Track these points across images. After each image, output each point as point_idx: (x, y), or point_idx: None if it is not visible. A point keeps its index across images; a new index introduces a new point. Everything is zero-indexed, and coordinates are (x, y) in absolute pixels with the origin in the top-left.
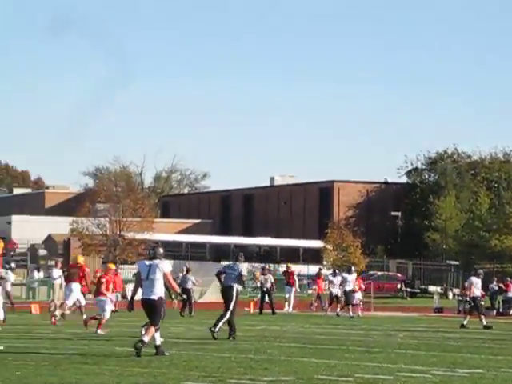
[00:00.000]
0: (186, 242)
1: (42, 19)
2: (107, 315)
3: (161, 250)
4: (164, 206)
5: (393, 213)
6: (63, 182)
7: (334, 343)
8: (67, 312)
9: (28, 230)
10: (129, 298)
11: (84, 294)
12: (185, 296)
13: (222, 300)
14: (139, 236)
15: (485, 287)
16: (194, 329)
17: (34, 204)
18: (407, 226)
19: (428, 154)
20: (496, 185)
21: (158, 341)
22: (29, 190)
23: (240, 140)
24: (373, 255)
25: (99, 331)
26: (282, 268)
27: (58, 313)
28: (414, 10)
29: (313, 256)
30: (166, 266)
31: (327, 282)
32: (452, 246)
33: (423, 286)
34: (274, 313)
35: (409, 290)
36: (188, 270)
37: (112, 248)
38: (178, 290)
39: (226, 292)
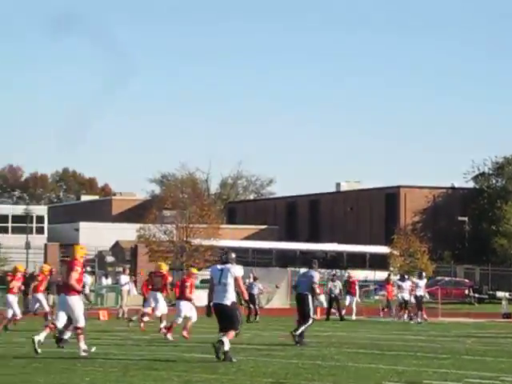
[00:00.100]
0: (252, 248)
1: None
2: (180, 320)
3: (233, 255)
4: (230, 212)
5: (460, 218)
6: (130, 188)
7: (402, 349)
8: (146, 319)
9: (95, 236)
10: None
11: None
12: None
13: (288, 306)
14: (206, 242)
15: None
16: (261, 334)
17: (101, 211)
18: (474, 231)
19: (495, 158)
20: None
21: (227, 346)
22: (96, 197)
23: (306, 146)
24: (440, 261)
25: (168, 336)
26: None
27: (146, 319)
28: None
29: (379, 262)
30: (237, 270)
31: (396, 288)
32: None
33: (491, 292)
34: (341, 319)
35: (476, 295)
36: (255, 279)
37: (179, 254)
38: (247, 296)
39: (301, 300)
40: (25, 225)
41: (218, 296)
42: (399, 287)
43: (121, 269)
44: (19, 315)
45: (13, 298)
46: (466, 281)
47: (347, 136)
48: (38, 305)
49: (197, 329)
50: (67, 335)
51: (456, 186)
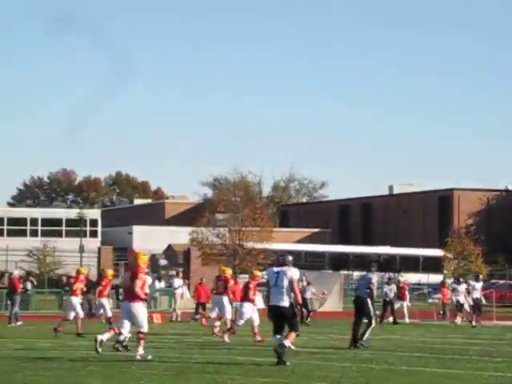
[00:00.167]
0: (305, 251)
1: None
2: (241, 322)
3: (290, 258)
4: (282, 216)
5: None
6: (183, 192)
7: (456, 353)
8: (217, 323)
9: (148, 240)
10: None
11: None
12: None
13: (341, 309)
14: (258, 245)
15: None
16: (315, 338)
17: (154, 214)
18: None
19: None
20: None
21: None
22: (149, 201)
23: (359, 148)
24: (494, 264)
25: (225, 338)
26: (402, 277)
27: (217, 323)
28: None
29: (432, 265)
30: (294, 273)
31: (451, 291)
32: None
33: None
34: (395, 322)
35: None
36: (309, 283)
37: (232, 258)
38: (300, 299)
39: (358, 303)
40: (78, 228)
41: (275, 298)
42: (454, 290)
43: (174, 272)
44: (81, 316)
45: (76, 300)
46: None
47: (400, 138)
48: (102, 310)
49: (247, 332)
50: (106, 336)
51: (510, 188)
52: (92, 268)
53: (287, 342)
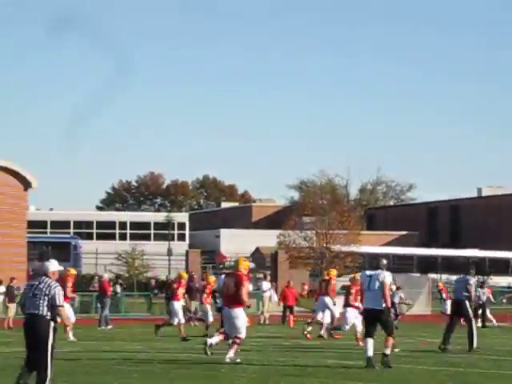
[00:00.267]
0: (393, 254)
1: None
2: (347, 328)
3: (384, 261)
4: (370, 218)
5: None
6: (270, 195)
7: None
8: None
9: (236, 243)
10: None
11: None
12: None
13: (429, 312)
14: (346, 248)
15: None
16: (404, 341)
17: (241, 217)
18: None
19: None
20: None
21: (370, 352)
22: (236, 204)
23: (446, 150)
24: None
25: (322, 334)
26: (491, 280)
27: (309, 328)
28: None
29: None
30: (386, 277)
31: None
32: None
33: None
34: (483, 326)
35: None
36: (398, 288)
37: (319, 261)
38: (390, 303)
39: (456, 305)
40: (166, 232)
41: (369, 301)
42: None
43: (262, 275)
44: (183, 321)
45: (178, 305)
46: None
47: (488, 140)
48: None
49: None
50: (215, 340)
51: None
52: (180, 271)
53: (387, 351)
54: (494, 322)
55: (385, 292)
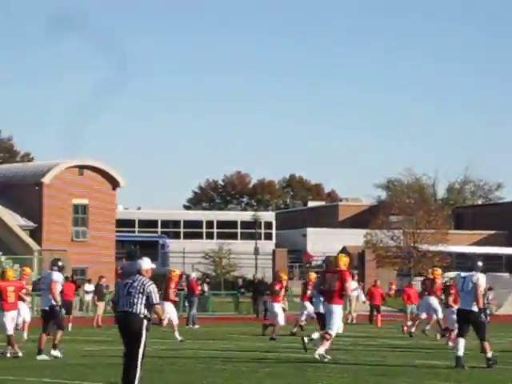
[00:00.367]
0: (481, 253)
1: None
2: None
3: (479, 263)
4: (457, 218)
5: None
6: (356, 194)
7: None
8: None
9: (323, 242)
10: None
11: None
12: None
13: None
14: (433, 248)
15: None
16: (493, 342)
17: (328, 216)
18: None
19: None
20: None
21: (461, 352)
22: (323, 203)
23: None
24: None
25: (450, 343)
26: None
27: (410, 323)
28: None
29: None
30: (480, 279)
31: None
32: None
33: None
34: None
35: None
36: (490, 288)
37: (406, 260)
38: (481, 304)
39: None
40: (253, 231)
41: (463, 302)
42: None
43: None
44: (282, 323)
45: (278, 307)
46: None
47: None
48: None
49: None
50: (316, 335)
51: None
52: (267, 270)
53: (489, 354)
54: None
55: (477, 293)
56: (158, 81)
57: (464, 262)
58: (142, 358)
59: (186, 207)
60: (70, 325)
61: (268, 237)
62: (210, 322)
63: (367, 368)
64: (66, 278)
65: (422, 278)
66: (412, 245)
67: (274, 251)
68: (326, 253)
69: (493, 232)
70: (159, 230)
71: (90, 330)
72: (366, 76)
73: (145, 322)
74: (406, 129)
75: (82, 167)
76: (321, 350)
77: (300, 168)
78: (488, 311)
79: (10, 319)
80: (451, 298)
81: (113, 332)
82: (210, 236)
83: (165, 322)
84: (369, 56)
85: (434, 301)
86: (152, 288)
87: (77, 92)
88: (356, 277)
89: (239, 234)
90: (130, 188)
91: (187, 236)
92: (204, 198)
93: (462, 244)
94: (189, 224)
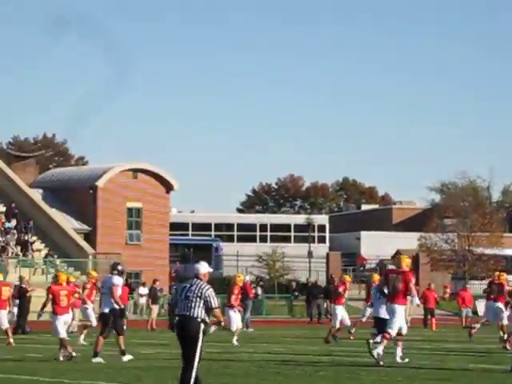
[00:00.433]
0: None
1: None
2: None
3: None
4: None
5: None
6: (410, 197)
7: None
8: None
9: (376, 245)
10: None
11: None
12: None
13: None
14: (488, 251)
15: None
16: None
17: (381, 220)
18: None
19: None
20: None
21: None
22: (376, 206)
23: None
24: None
25: (508, 347)
26: None
27: (477, 325)
28: None
29: None
30: None
31: None
32: None
33: None
34: None
35: None
36: None
37: (461, 263)
38: None
39: None
40: (307, 234)
41: None
42: None
43: None
44: (348, 323)
45: (340, 309)
46: None
47: None
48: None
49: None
50: (378, 338)
51: None
52: (321, 273)
53: None
54: None
55: None
56: (213, 86)
57: None
58: (199, 361)
59: (240, 210)
60: (124, 328)
61: (321, 240)
62: (264, 325)
63: (421, 372)
64: None
65: (480, 282)
66: (466, 248)
67: (327, 254)
68: (380, 256)
69: None
70: (213, 233)
71: (144, 333)
72: (419, 77)
73: (202, 325)
74: (460, 131)
75: (135, 170)
76: (379, 349)
77: (353, 171)
78: None
79: (63, 323)
80: None
81: (167, 335)
82: (263, 239)
83: (234, 328)
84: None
85: (502, 306)
86: (210, 292)
87: (133, 97)
88: None
89: (293, 237)
90: (183, 191)
91: (241, 239)
92: (257, 201)
93: None
94: (242, 227)
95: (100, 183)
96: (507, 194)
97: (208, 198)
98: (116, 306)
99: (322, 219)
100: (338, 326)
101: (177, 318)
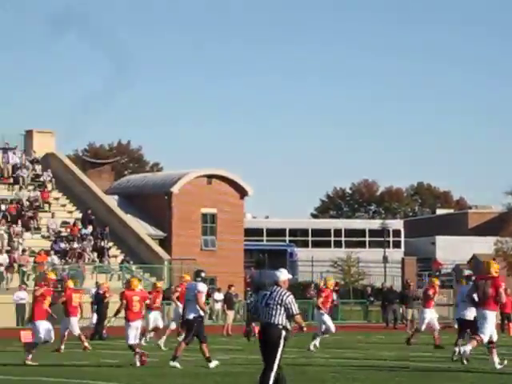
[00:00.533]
0: None
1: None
2: None
3: None
4: None
5: None
6: (486, 201)
7: None
8: None
9: (452, 250)
10: None
11: None
12: None
13: None
14: None
15: None
16: None
17: (457, 224)
18: None
19: None
20: None
21: None
22: (451, 211)
23: None
24: None
25: None
26: None
27: None
28: None
29: None
30: None
31: None
32: None
33: None
34: None
35: None
36: None
37: None
38: None
39: None
40: (382, 239)
41: None
42: None
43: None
44: (437, 327)
45: (430, 313)
46: None
47: None
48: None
49: None
50: (469, 347)
51: None
52: (396, 278)
53: None
54: None
55: None
56: (286, 94)
57: None
58: (278, 368)
59: (314, 216)
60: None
61: (396, 245)
62: (340, 330)
63: (498, 376)
64: None
65: None
66: None
67: (402, 259)
68: (456, 261)
69: None
70: (287, 238)
71: (220, 338)
72: (496, 78)
73: (283, 332)
74: None
75: (210, 176)
76: (467, 347)
77: (428, 175)
78: None
79: (135, 329)
80: None
81: (243, 340)
82: (338, 244)
83: (332, 329)
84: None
85: None
86: (290, 299)
87: (208, 104)
88: None
89: (367, 243)
90: (258, 197)
91: (315, 244)
92: (331, 206)
93: None
94: (317, 232)
95: (175, 189)
96: None
97: (282, 204)
98: (201, 313)
99: (396, 224)
100: (423, 329)
101: (259, 326)
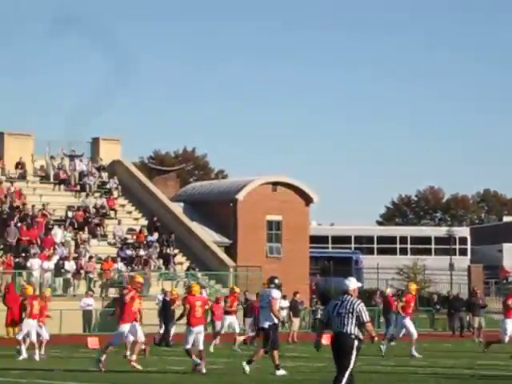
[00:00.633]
0: None
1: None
2: None
3: None
4: None
5: None
6: None
7: None
8: None
9: None
10: None
11: None
12: None
13: None
14: None
15: None
16: None
17: None
18: None
19: None
20: None
21: None
22: None
23: None
24: None
25: None
26: None
27: None
28: None
29: None
30: None
31: None
32: None
33: None
34: None
35: None
36: None
37: None
38: None
39: None
40: (448, 246)
41: None
42: None
43: None
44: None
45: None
46: None
47: None
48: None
49: None
50: None
51: None
52: (462, 286)
53: None
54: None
55: None
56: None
57: None
58: (349, 376)
59: (379, 223)
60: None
61: (463, 252)
62: (405, 338)
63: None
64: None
65: None
66: None
67: (469, 267)
68: None
69: None
70: (352, 245)
71: (285, 345)
72: None
73: (356, 342)
74: None
75: (275, 183)
76: None
77: (495, 182)
78: None
79: (194, 334)
80: None
81: (308, 348)
82: (403, 252)
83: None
84: None
85: None
86: (361, 307)
87: (272, 111)
88: None
89: (433, 250)
90: (323, 204)
91: (381, 252)
92: (397, 213)
93: None
94: (382, 240)
95: (240, 196)
96: None
97: (347, 211)
98: (276, 321)
99: (463, 231)
100: (507, 340)
101: (332, 335)
